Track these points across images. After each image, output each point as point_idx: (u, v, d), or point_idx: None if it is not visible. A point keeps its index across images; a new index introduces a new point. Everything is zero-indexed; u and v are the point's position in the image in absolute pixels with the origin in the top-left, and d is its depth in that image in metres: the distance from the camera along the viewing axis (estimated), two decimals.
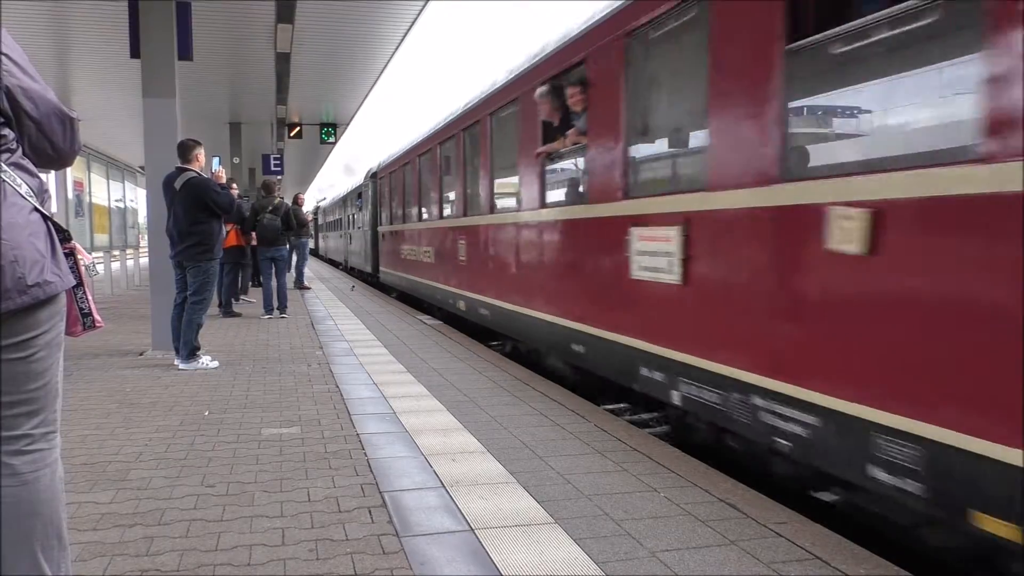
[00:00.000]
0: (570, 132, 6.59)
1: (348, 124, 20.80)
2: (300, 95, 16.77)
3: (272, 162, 21.80)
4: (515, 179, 7.86)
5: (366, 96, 17.37)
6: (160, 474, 4.09)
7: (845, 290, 3.42)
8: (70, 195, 15.02)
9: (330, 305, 13.92)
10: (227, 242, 12.05)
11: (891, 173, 3.16)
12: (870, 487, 3.30)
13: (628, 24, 5.38)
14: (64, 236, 2.30)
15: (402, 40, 12.58)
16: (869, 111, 4.06)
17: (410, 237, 13.77)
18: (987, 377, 2.75)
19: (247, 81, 15.49)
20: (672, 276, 4.80)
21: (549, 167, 7.17)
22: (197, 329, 7.35)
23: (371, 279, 19.42)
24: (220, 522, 3.39)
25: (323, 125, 20.21)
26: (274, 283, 11.96)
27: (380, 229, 17.85)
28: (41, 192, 2.21)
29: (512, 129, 8.03)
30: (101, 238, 17.44)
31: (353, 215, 23.60)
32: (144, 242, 15.74)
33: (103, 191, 18.02)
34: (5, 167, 2.09)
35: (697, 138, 4.92)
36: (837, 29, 3.40)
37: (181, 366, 7.28)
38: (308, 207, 46.20)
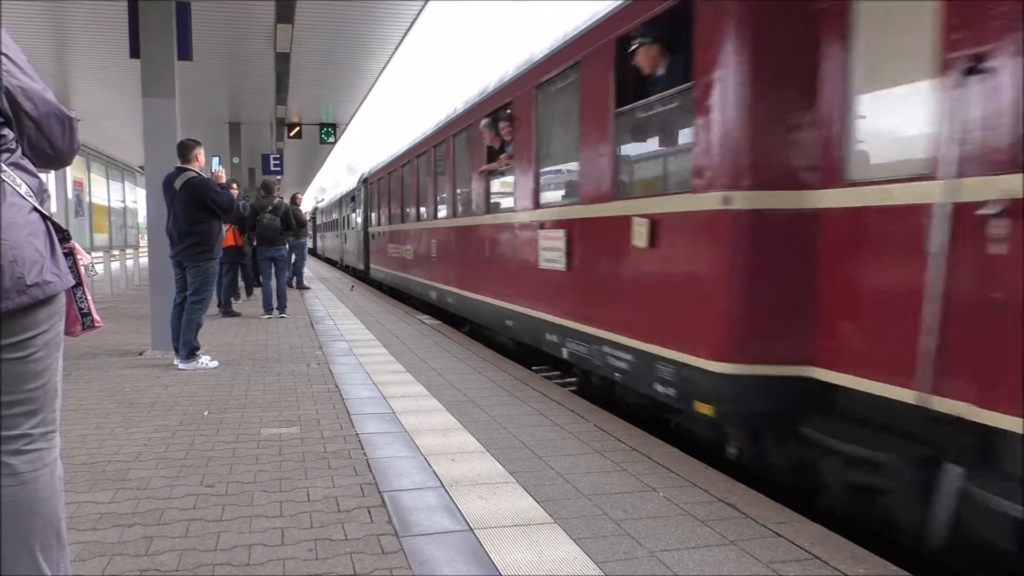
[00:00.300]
0: (502, 156, 8.38)
1: (348, 124, 20.79)
2: (300, 95, 16.76)
3: (272, 162, 21.79)
4: (469, 190, 9.69)
5: (366, 96, 17.37)
6: (159, 474, 4.09)
7: (640, 271, 5.26)
8: (70, 195, 15.02)
9: (329, 305, 13.92)
10: (224, 242, 12.07)
11: (659, 197, 5.10)
12: (655, 396, 5.06)
13: (538, 79, 7.19)
14: (63, 236, 2.30)
15: (402, 40, 12.58)
16: (653, 157, 5.63)
17: (394, 237, 15.53)
18: (699, 319, 4.54)
19: (247, 81, 15.48)
20: (560, 265, 6.59)
21: (490, 182, 8.88)
22: (197, 329, 7.35)
23: (363, 276, 21.07)
24: (219, 522, 3.39)
25: (323, 125, 20.20)
26: (273, 283, 11.97)
27: (370, 230, 19.52)
28: (40, 192, 2.21)
29: (467, 149, 9.80)
30: (101, 238, 17.45)
31: (348, 216, 25.25)
32: (144, 242, 15.73)
33: (103, 191, 18.03)
34: (4, 167, 2.09)
35: (576, 166, 6.45)
36: (636, 103, 5.43)
37: (181, 366, 7.29)
38: (307, 207, 46.53)
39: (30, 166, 2.22)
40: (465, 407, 5.64)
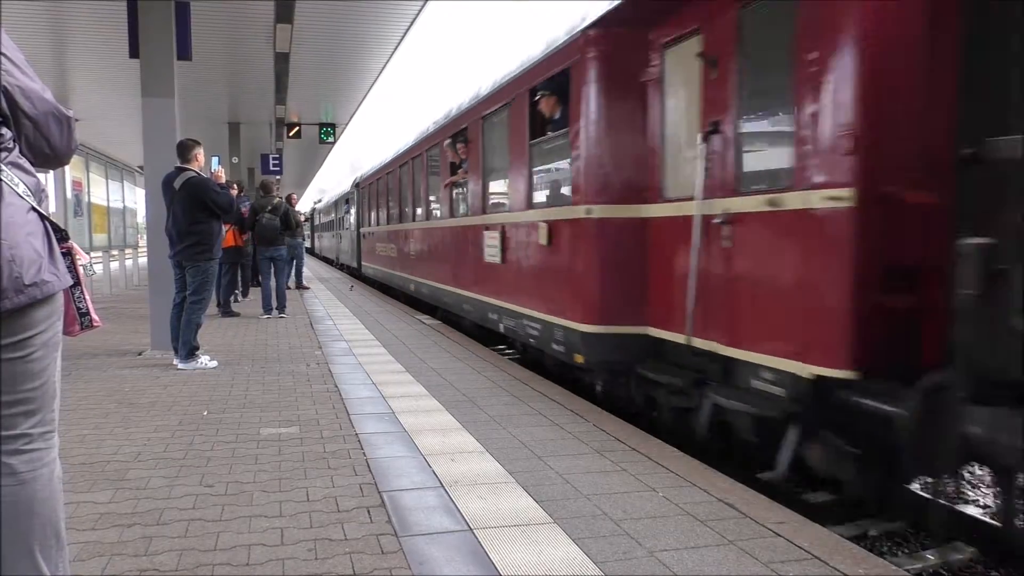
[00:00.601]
0: (460, 170, 10.33)
1: (347, 124, 20.78)
2: (299, 95, 16.76)
3: (271, 162, 21.80)
4: (437, 198, 11.86)
5: (365, 96, 17.36)
6: (159, 474, 4.09)
7: (543, 262, 7.04)
8: (69, 195, 15.02)
9: (329, 305, 13.92)
10: (224, 242, 12.06)
11: (554, 208, 6.90)
12: (553, 354, 6.78)
13: (483, 112, 9.05)
14: (61, 235, 2.29)
15: (401, 40, 12.58)
16: (551, 178, 7.27)
17: (381, 237, 17.50)
18: (575, 295, 6.28)
19: (246, 81, 15.47)
20: (498, 259, 8.33)
21: (452, 192, 10.78)
22: (196, 329, 7.35)
23: (356, 273, 23.04)
24: (219, 522, 3.39)
25: (322, 125, 20.19)
26: (272, 283, 11.97)
27: (362, 230, 21.30)
28: (38, 191, 2.20)
29: (437, 163, 11.75)
30: (100, 238, 17.44)
31: (342, 217, 27.25)
32: (143, 242, 15.74)
33: (102, 191, 18.03)
34: (2, 166, 2.09)
35: (507, 182, 8.22)
36: (541, 138, 7.23)
37: (180, 366, 7.28)
38: (306, 207, 46.80)
39: (28, 165, 2.21)
40: (464, 407, 5.64)
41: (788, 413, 4.34)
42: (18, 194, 2.10)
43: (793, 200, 4.28)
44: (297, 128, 19.79)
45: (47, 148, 2.27)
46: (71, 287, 2.38)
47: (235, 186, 13.67)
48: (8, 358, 2.08)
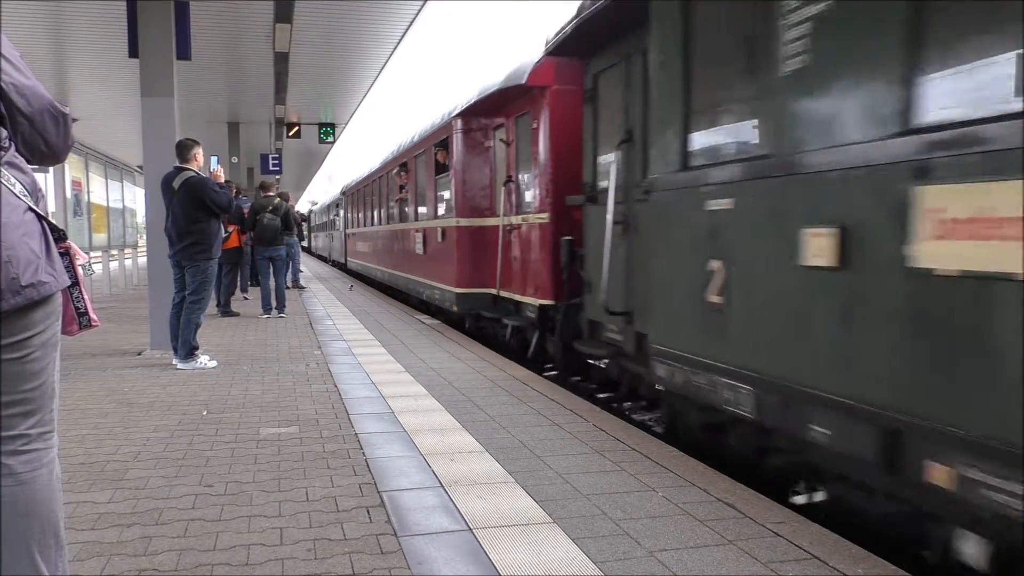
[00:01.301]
0: (403, 190, 14.48)
1: (347, 124, 20.78)
2: (298, 95, 16.77)
3: (271, 162, 21.79)
4: (392, 208, 15.94)
5: (365, 95, 17.37)
6: (158, 474, 4.09)
7: (441, 251, 11.06)
8: (68, 194, 15.01)
9: (328, 305, 13.92)
10: (229, 243, 12.07)
11: (445, 218, 10.89)
12: (444, 308, 11.00)
13: (413, 152, 13.26)
14: (59, 235, 2.28)
15: (400, 40, 12.58)
16: (445, 200, 11.03)
17: (360, 237, 21.66)
18: (452, 271, 10.42)
19: (245, 81, 15.47)
20: (421, 251, 12.25)
21: (401, 205, 14.84)
22: (195, 329, 7.35)
23: (343, 267, 27.21)
24: (218, 522, 3.39)
25: (321, 125, 20.19)
26: (272, 283, 11.97)
27: (347, 231, 25.49)
28: (35, 191, 2.19)
29: (392, 183, 15.86)
30: (100, 237, 17.44)
31: (333, 219, 31.89)
32: (142, 242, 15.75)
33: (101, 190, 18.03)
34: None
35: (425, 201, 12.42)
36: (440, 175, 11.42)
37: (179, 366, 7.28)
38: (304, 208, 47.83)
39: (24, 164, 2.20)
40: (464, 407, 5.64)
41: (534, 323, 8.18)
42: (14, 194, 2.09)
43: (531, 218, 8.32)
44: (296, 128, 19.79)
45: (43, 146, 2.26)
46: (69, 287, 2.37)
47: (234, 187, 13.67)
48: (6, 359, 2.08)
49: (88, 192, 16.72)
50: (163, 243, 7.68)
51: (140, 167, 15.00)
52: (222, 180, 8.24)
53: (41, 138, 2.24)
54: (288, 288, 13.43)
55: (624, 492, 3.77)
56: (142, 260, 19.14)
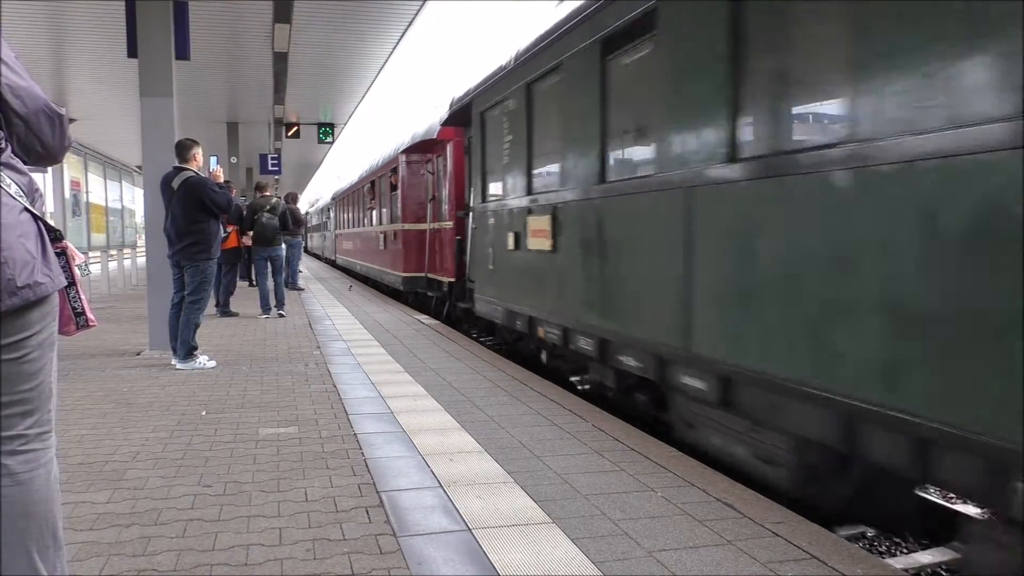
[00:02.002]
0: (372, 201, 18.88)
1: (346, 123, 20.78)
2: (298, 95, 16.76)
3: (270, 162, 21.78)
4: (364, 213, 20.43)
5: (364, 95, 17.37)
6: (157, 474, 4.09)
7: (395, 247, 15.43)
8: (67, 195, 15.01)
9: (327, 305, 13.92)
10: (229, 243, 12.08)
11: (397, 224, 15.27)
12: (393, 286, 15.99)
13: (377, 174, 18.13)
14: (55, 235, 2.27)
15: (400, 39, 12.57)
16: (396, 210, 15.64)
17: (344, 237, 26.39)
18: (398, 261, 14.98)
19: (245, 81, 15.47)
20: (383, 248, 16.99)
21: (370, 214, 19.24)
22: (194, 329, 7.34)
23: (332, 263, 31.68)
24: (217, 522, 3.39)
25: (321, 125, 20.18)
26: (270, 283, 11.97)
27: (336, 232, 29.69)
28: (31, 191, 2.18)
29: (363, 194, 20.38)
30: (98, 237, 17.43)
31: (325, 221, 36.31)
32: (142, 242, 15.76)
33: (100, 190, 18.02)
34: None
35: (386, 210, 17.00)
36: (393, 192, 16.02)
37: (178, 366, 7.28)
38: (303, 207, 49.05)
39: (20, 165, 2.19)
40: (463, 407, 5.64)
41: (446, 294, 12.06)
42: (10, 195, 2.09)
43: (443, 224, 12.32)
44: (296, 128, 19.78)
45: (39, 147, 2.25)
46: (66, 287, 2.37)
47: (234, 187, 13.69)
48: (4, 359, 2.08)
49: (87, 192, 16.70)
50: (162, 243, 7.68)
51: (139, 167, 15.00)
52: (221, 180, 8.24)
53: (37, 139, 2.23)
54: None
55: (623, 492, 3.77)
56: (141, 260, 19.15)
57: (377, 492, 3.77)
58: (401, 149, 14.35)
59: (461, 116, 10.32)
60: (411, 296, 15.11)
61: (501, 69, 8.16)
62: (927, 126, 2.91)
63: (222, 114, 19.35)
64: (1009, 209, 2.60)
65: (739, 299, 4.10)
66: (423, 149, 13.52)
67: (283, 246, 12.47)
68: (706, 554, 3.06)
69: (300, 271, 18.84)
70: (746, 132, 4.11)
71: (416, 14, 11.22)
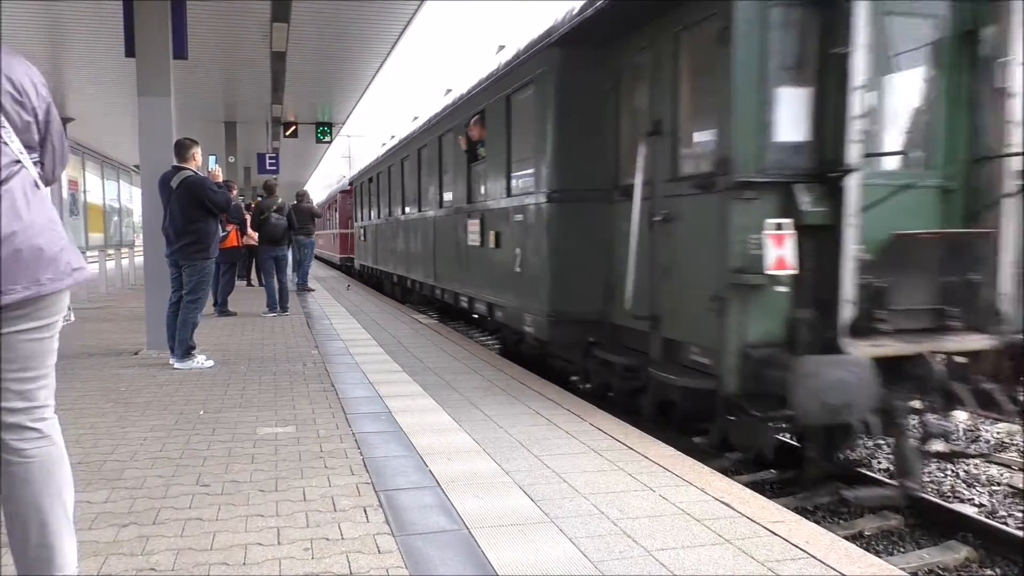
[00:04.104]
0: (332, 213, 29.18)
1: (344, 123, 20.77)
2: (296, 94, 16.74)
3: (268, 161, 21.76)
4: (338, 219, 27.61)
5: (362, 95, 17.36)
6: (155, 473, 4.09)
7: (351, 242, 24.96)
8: (65, 194, 14.99)
9: (326, 304, 13.90)
10: (228, 242, 12.10)
11: (345, 229, 25.80)
12: (350, 267, 24.73)
13: (341, 191, 26.73)
14: None
15: (398, 39, 12.56)
16: (347, 221, 25.95)
17: (325, 237, 32.61)
18: (346, 248, 25.54)
19: (242, 80, 15.45)
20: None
21: (344, 218, 26.05)
22: (192, 328, 7.33)
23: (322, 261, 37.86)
24: (215, 521, 3.39)
25: (319, 124, 20.17)
26: (275, 282, 12.01)
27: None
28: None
29: (341, 205, 26.12)
30: (96, 237, 17.42)
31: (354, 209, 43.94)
32: (139, 241, 15.75)
33: (98, 190, 18.00)
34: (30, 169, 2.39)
35: (339, 221, 27.47)
36: (339, 212, 26.52)
37: (176, 365, 7.27)
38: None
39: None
40: (461, 406, 5.63)
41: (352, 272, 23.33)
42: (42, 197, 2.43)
43: (349, 230, 24.81)
44: (294, 127, 19.76)
45: (52, 177, 2.61)
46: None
47: (233, 186, 13.69)
48: (40, 337, 2.39)
49: (84, 192, 16.66)
50: (160, 243, 7.66)
51: (137, 167, 14.98)
52: (220, 179, 8.24)
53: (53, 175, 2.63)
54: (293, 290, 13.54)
55: (621, 491, 3.78)
56: (139, 259, 19.13)
57: (375, 491, 3.77)
58: (340, 190, 27.00)
59: (352, 184, 23.11)
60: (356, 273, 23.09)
61: (364, 170, 20.52)
62: (495, 198, 8.43)
63: (220, 113, 19.33)
64: (533, 224, 7.02)
65: (446, 260, 10.60)
66: (344, 194, 25.42)
67: (287, 246, 12.58)
68: (704, 553, 3.06)
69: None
70: (446, 197, 10.95)
71: (414, 13, 11.21)
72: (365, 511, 3.51)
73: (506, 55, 8.13)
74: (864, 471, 5.25)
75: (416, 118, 14.89)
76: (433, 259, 11.38)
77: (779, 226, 4.29)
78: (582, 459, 4.31)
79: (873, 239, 4.42)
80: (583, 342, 6.52)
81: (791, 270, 4.32)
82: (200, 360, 7.32)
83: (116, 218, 19.86)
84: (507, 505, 3.57)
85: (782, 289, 4.41)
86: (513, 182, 7.86)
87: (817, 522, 3.81)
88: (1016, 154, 4.55)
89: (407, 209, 13.66)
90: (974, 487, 5.31)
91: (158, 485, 3.89)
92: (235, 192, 12.74)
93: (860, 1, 4.17)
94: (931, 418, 4.46)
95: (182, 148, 7.50)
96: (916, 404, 4.47)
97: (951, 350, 4.52)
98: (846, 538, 3.55)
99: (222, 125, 20.39)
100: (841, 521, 4.70)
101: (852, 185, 4.24)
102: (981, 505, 5.02)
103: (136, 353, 8.18)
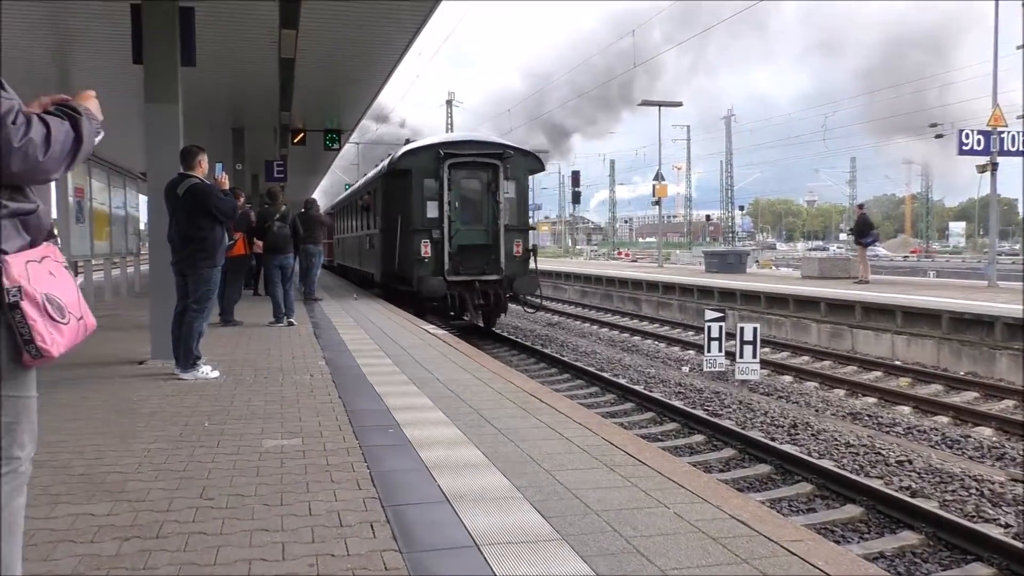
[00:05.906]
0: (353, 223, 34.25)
1: (352, 130, 20.76)
2: (304, 101, 16.72)
3: (275, 168, 21.74)
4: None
5: (371, 102, 17.35)
6: (158, 486, 4.02)
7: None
8: (70, 201, 15.00)
9: (332, 314, 13.86)
10: (235, 251, 12.04)
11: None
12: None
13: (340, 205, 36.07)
14: None
15: (408, 46, 12.53)
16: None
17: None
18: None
19: (250, 87, 15.44)
20: (337, 252, 34.33)
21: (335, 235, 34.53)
22: (198, 338, 7.28)
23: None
24: (219, 536, 3.32)
25: (327, 131, 20.15)
26: (280, 291, 11.96)
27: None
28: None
29: (328, 224, 26.99)
30: (101, 245, 17.43)
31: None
32: (145, 249, 15.73)
33: (104, 197, 18.01)
34: None
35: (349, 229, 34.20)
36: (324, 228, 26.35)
37: (181, 375, 7.20)
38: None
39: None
40: (471, 419, 5.55)
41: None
42: None
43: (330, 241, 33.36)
44: (302, 135, 19.75)
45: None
46: (10, 309, 2.14)
47: (240, 194, 13.66)
48: None
49: (90, 199, 16.66)
50: (165, 251, 7.62)
51: (143, 174, 14.97)
52: (226, 187, 8.20)
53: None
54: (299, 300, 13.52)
55: (635, 508, 3.69)
56: (144, 267, 19.14)
57: (382, 506, 3.70)
58: (325, 212, 28.91)
59: (333, 210, 32.77)
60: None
61: (335, 204, 34.91)
62: (371, 229, 20.43)
63: (227, 120, 19.34)
64: (377, 239, 19.13)
65: (362, 253, 23.08)
66: (328, 215, 27.37)
67: (292, 255, 12.52)
68: (720, 572, 2.98)
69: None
70: (360, 227, 23.40)
71: (424, 20, 11.18)
72: (372, 527, 3.43)
73: (371, 172, 21.56)
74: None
75: (360, 179, 29.52)
76: (358, 254, 23.65)
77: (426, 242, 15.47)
78: (594, 474, 4.23)
79: (455, 245, 15.41)
80: (390, 281, 17.02)
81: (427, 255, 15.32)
82: (206, 370, 7.26)
83: (121, 226, 19.86)
84: (517, 521, 3.49)
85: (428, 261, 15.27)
86: (374, 222, 19.09)
87: (836, 541, 3.72)
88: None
89: (351, 231, 26.11)
90: (999, 506, 5.21)
91: (161, 498, 3.82)
92: (243, 200, 12.65)
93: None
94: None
95: (188, 155, 7.46)
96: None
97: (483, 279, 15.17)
98: (865, 558, 3.47)
99: (230, 132, 20.39)
100: (861, 540, 4.60)
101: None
102: (1007, 525, 4.92)
103: (141, 363, 8.12)
